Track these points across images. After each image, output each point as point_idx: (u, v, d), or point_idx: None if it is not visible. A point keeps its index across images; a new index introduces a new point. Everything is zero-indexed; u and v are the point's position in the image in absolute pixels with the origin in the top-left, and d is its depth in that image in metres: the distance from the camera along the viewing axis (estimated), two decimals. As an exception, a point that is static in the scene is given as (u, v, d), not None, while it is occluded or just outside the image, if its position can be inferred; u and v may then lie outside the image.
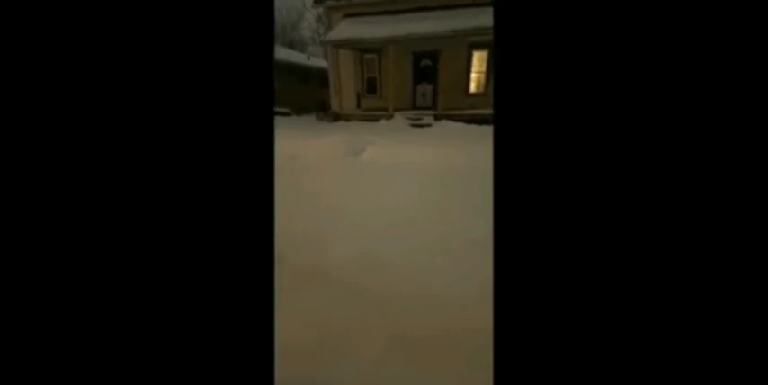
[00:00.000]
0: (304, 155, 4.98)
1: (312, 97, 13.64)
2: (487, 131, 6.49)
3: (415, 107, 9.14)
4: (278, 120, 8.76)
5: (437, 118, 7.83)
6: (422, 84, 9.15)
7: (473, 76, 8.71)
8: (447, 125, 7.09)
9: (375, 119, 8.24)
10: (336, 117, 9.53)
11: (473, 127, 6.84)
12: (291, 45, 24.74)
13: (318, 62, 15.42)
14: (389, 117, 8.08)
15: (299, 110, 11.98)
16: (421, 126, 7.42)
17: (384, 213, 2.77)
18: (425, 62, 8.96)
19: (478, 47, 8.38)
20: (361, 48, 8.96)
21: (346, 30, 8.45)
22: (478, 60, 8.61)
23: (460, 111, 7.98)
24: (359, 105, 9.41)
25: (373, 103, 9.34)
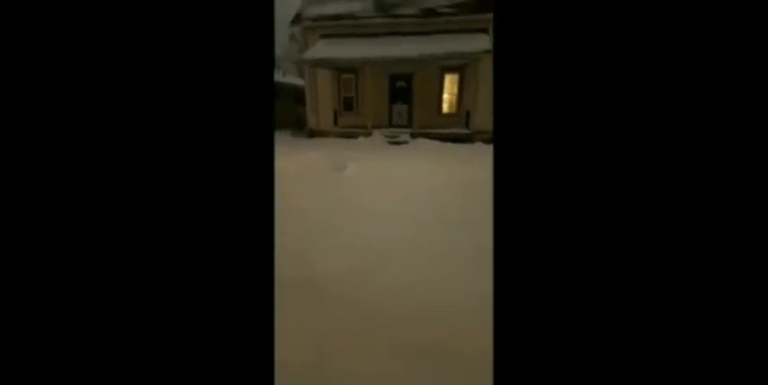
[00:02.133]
0: (286, 170, 4.95)
1: (286, 114, 13.61)
2: (462, 149, 6.82)
3: (391, 125, 9.42)
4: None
5: (413, 136, 8.11)
6: (397, 103, 9.49)
7: (445, 97, 9.19)
8: (423, 143, 7.36)
9: (353, 136, 8.39)
10: (312, 133, 9.58)
11: (448, 145, 7.16)
12: (263, 62, 24.66)
13: (292, 80, 15.52)
14: (368, 134, 8.26)
15: (275, 126, 11.88)
16: (398, 143, 7.65)
17: (372, 227, 2.83)
18: (401, 83, 9.35)
19: (450, 70, 8.89)
20: (337, 67, 9.19)
21: (323, 50, 8.66)
22: (450, 83, 9.11)
23: (434, 129, 8.33)
24: (336, 122, 9.54)
25: (350, 121, 9.51)
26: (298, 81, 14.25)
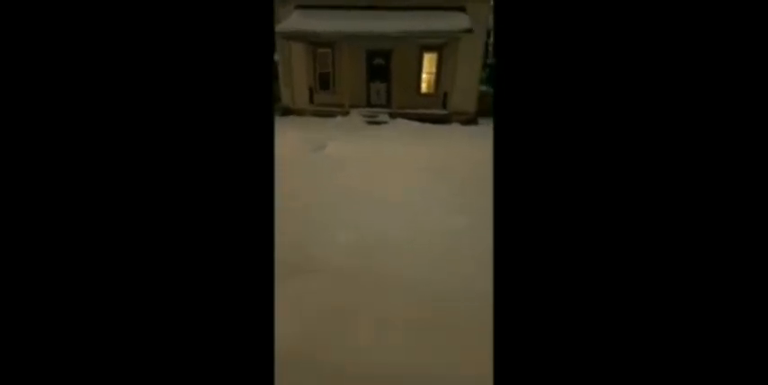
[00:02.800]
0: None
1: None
2: (440, 130, 6.89)
3: (369, 104, 9.26)
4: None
5: (392, 116, 8.05)
6: (375, 82, 9.29)
7: (424, 76, 9.08)
8: (403, 123, 7.36)
9: (330, 114, 8.20)
10: (287, 111, 9.26)
11: (428, 125, 7.20)
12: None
13: (263, 53, 14.66)
14: (345, 113, 8.11)
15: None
16: (377, 123, 7.59)
17: (351, 210, 2.87)
18: (379, 61, 9.11)
19: (429, 49, 8.76)
20: (313, 41, 8.79)
21: (298, 21, 8.22)
22: (429, 62, 8.99)
23: (413, 109, 8.29)
24: (312, 100, 9.25)
25: (327, 99, 9.24)
26: (269, 54, 13.47)
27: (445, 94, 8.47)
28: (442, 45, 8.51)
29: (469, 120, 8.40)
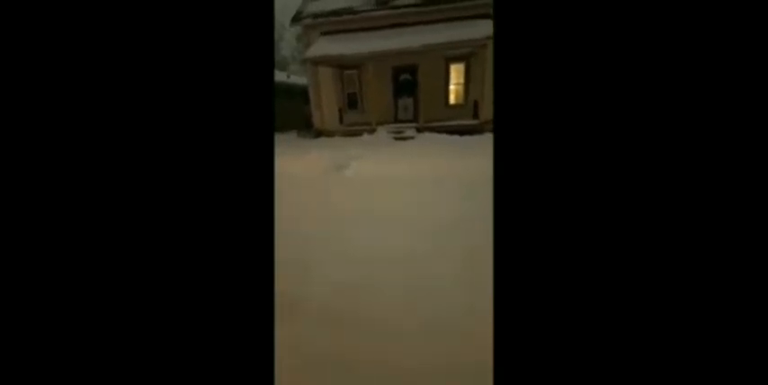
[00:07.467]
0: (283, 171, 4.86)
1: (295, 115, 13.63)
2: (468, 141, 6.55)
3: (397, 120, 9.21)
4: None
5: (419, 130, 7.87)
6: (402, 97, 9.25)
7: (452, 88, 8.87)
8: (429, 137, 7.13)
9: (358, 133, 8.24)
10: (318, 133, 9.50)
11: (455, 137, 6.90)
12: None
13: (300, 80, 15.52)
14: (372, 131, 8.10)
15: (282, 127, 11.92)
16: (404, 139, 7.45)
17: (367, 234, 2.70)
18: (405, 76, 9.10)
19: (455, 60, 8.57)
20: (340, 64, 9.05)
21: (324, 47, 8.53)
22: (456, 72, 8.78)
23: (442, 122, 8.06)
24: (341, 121, 9.42)
25: (356, 118, 9.37)
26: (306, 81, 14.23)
27: (476, 104, 8.14)
28: (469, 54, 8.27)
29: (503, 129, 7.93)
